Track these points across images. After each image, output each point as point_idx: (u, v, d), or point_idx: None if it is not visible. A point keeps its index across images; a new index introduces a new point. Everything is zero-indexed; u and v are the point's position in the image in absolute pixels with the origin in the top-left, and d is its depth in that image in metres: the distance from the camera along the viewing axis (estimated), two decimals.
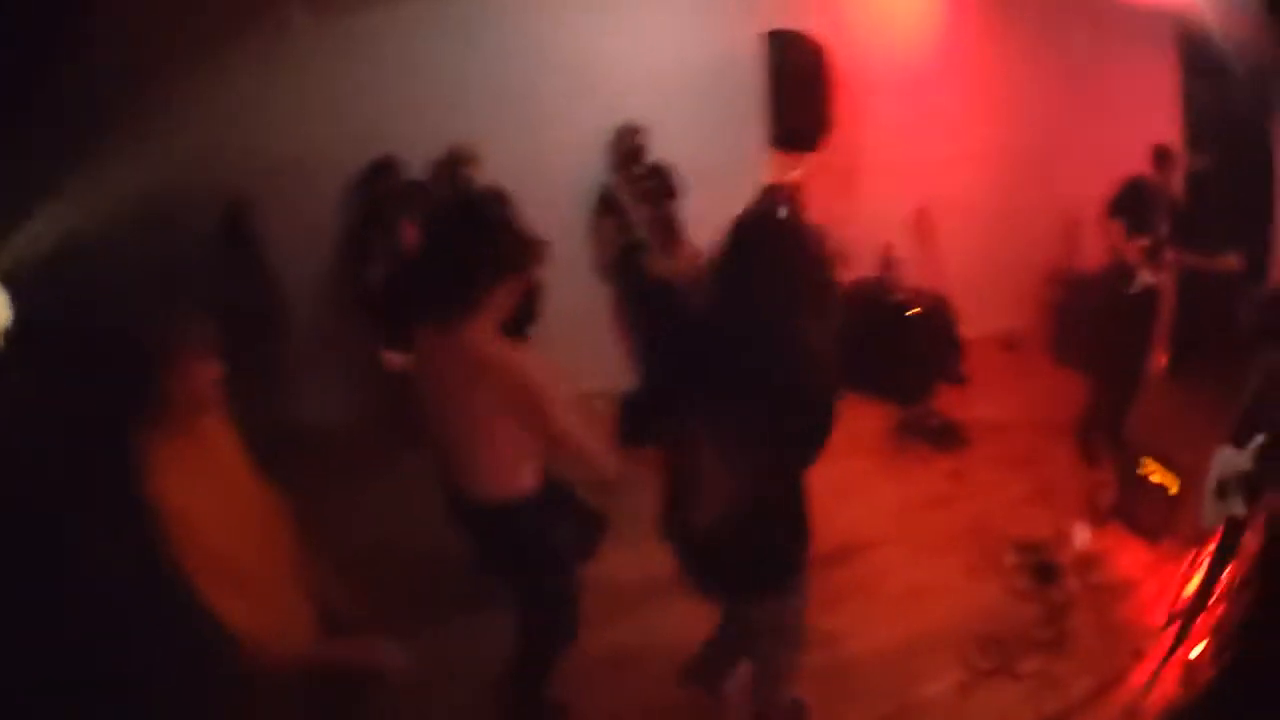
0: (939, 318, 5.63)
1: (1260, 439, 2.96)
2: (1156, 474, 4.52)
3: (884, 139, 5.46)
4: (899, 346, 5.48)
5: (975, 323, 6.22)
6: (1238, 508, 3.10)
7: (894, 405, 5.33)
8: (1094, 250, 5.16)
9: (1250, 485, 3.04)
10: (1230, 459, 3.10)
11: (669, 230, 4.56)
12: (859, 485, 4.62)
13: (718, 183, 4.47)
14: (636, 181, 4.55)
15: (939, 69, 5.64)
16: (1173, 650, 3.55)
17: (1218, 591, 3.77)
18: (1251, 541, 3.68)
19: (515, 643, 2.98)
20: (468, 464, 2.65)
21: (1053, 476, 4.93)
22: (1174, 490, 4.42)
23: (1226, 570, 3.72)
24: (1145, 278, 4.78)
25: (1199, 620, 3.58)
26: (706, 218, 3.00)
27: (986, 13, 5.69)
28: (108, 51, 2.54)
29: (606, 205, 4.56)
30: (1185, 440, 5.12)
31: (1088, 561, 4.39)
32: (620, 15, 4.81)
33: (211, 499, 1.94)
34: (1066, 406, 5.44)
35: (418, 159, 4.43)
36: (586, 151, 4.64)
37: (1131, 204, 4.75)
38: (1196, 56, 5.46)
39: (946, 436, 5.21)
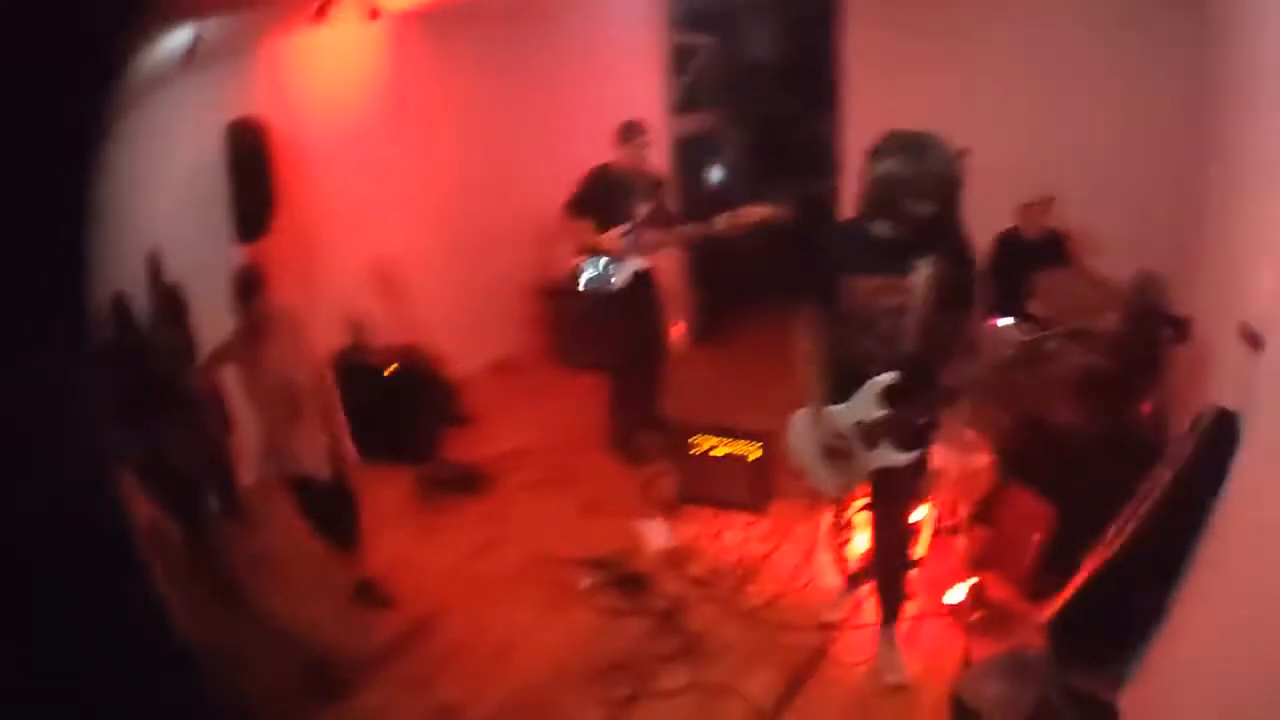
0: (418, 367, 5.21)
1: (876, 386, 2.75)
2: (721, 447, 4.27)
3: (338, 206, 5.07)
4: (388, 408, 4.89)
5: (467, 358, 5.96)
6: (888, 458, 2.84)
7: (409, 467, 4.83)
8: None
9: (889, 432, 2.79)
10: (841, 414, 2.85)
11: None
12: (407, 556, 4.13)
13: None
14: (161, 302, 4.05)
15: (385, 124, 5.36)
16: (891, 609, 3.19)
17: (918, 539, 3.57)
18: (975, 482, 3.64)
19: None
20: None
21: (599, 486, 4.66)
22: (754, 456, 4.22)
23: (922, 516, 3.57)
24: (634, 264, 4.63)
25: (907, 573, 3.28)
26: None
27: (426, 63, 5.57)
28: None
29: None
30: (739, 405, 5.23)
31: (677, 557, 3.96)
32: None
33: None
34: (587, 413, 5.27)
35: None
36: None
37: (596, 197, 4.55)
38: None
39: (469, 481, 4.74)
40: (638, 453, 4.91)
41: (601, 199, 4.54)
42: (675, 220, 4.70)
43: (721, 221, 4.41)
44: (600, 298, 4.70)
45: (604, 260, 4.61)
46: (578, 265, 4.67)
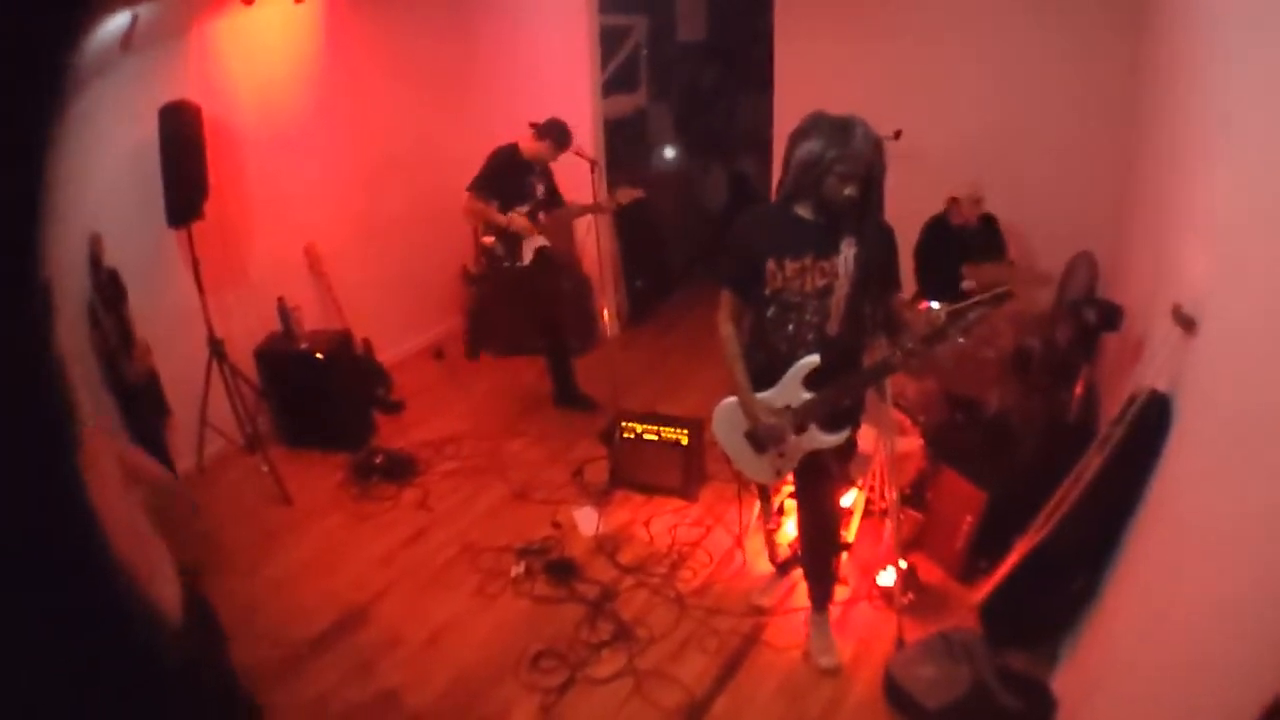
0: (347, 353, 5.00)
1: (803, 369, 2.72)
2: (652, 433, 4.19)
3: (269, 189, 4.96)
4: (321, 395, 4.80)
5: (399, 343, 5.92)
6: (816, 440, 2.81)
7: (343, 454, 4.73)
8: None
9: (816, 415, 2.76)
10: (769, 398, 2.79)
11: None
12: (341, 544, 4.05)
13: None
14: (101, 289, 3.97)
15: (315, 107, 5.22)
16: (821, 593, 3.17)
17: (848, 523, 3.55)
18: (904, 465, 3.63)
19: None
20: None
21: (530, 473, 4.57)
22: (685, 441, 4.16)
23: (852, 500, 3.57)
24: (536, 241, 4.74)
25: (837, 556, 3.30)
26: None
27: (355, 45, 5.40)
28: None
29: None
30: (670, 390, 5.36)
31: (608, 544, 3.89)
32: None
33: None
34: (517, 399, 5.23)
35: None
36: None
37: (498, 177, 4.60)
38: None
39: (399, 468, 4.60)
40: (582, 400, 5.18)
41: (506, 179, 4.62)
42: (564, 201, 4.89)
43: (603, 201, 4.77)
44: (508, 275, 4.80)
45: (511, 238, 4.70)
46: (488, 244, 4.76)
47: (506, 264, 4.74)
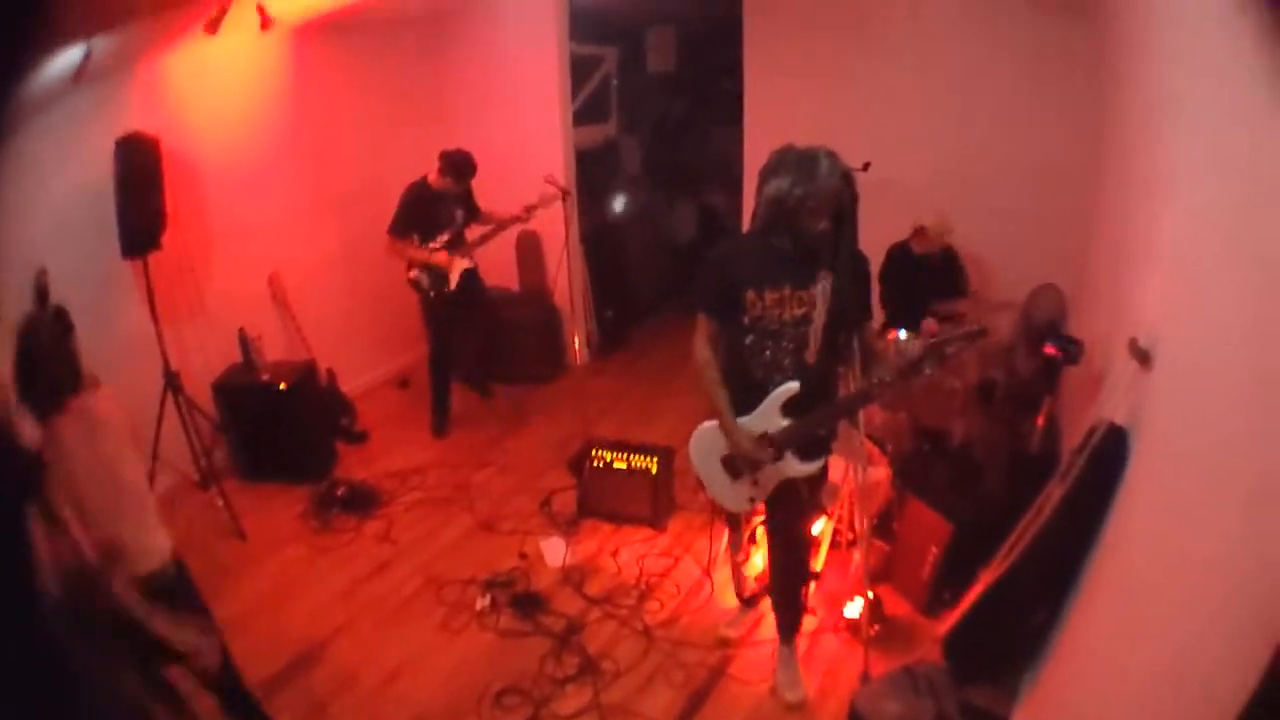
0: (310, 383, 4.93)
1: (780, 397, 2.72)
2: (621, 461, 4.16)
3: (229, 220, 4.93)
4: (281, 425, 4.71)
5: (361, 374, 5.86)
6: (791, 468, 2.81)
7: (304, 487, 4.65)
8: None
9: (791, 443, 2.76)
10: (744, 426, 2.78)
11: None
12: (299, 579, 3.96)
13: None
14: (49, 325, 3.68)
15: (277, 138, 5.20)
16: (790, 623, 3.15)
17: (817, 552, 3.54)
18: (873, 494, 3.60)
19: None
20: None
21: (494, 504, 4.52)
22: (655, 470, 4.14)
23: (820, 529, 3.55)
24: (460, 265, 4.89)
25: (805, 586, 3.26)
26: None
27: (319, 75, 5.37)
28: None
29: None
30: (640, 419, 5.32)
31: (575, 575, 3.84)
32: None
33: None
34: (482, 430, 5.20)
35: None
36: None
37: (413, 213, 4.76)
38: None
39: (360, 500, 4.54)
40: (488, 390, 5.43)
41: (421, 214, 4.77)
42: (486, 218, 5.01)
43: (524, 211, 4.82)
44: (438, 302, 4.94)
45: (435, 269, 4.85)
46: (414, 278, 4.92)
47: (433, 293, 4.89)
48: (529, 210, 4.81)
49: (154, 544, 2.57)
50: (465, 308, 5.03)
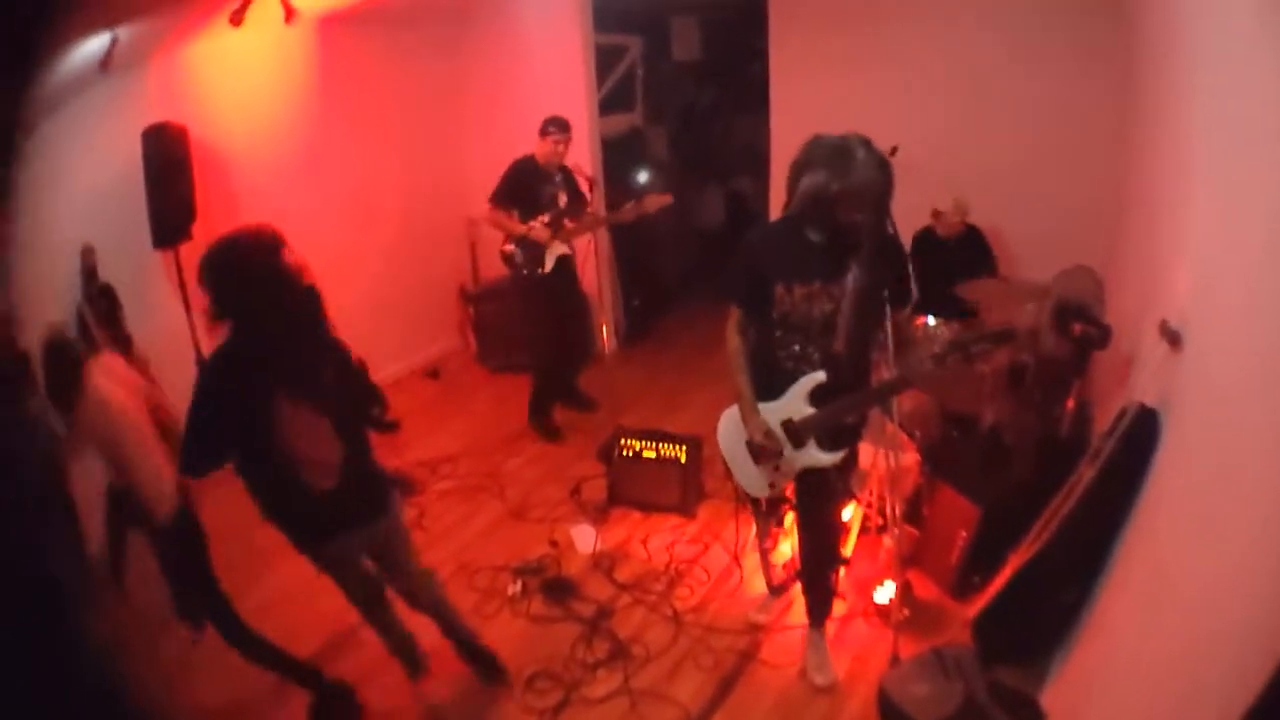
0: None
1: (806, 385, 2.73)
2: (650, 449, 4.20)
3: (258, 211, 4.89)
4: None
5: (394, 362, 5.93)
6: (816, 457, 2.81)
7: None
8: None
9: (817, 431, 2.77)
10: (770, 413, 2.80)
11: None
12: None
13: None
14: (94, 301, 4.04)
15: (304, 128, 5.28)
16: (819, 608, 3.17)
17: (846, 538, 3.53)
18: (902, 480, 3.55)
19: None
20: None
21: (526, 490, 4.58)
22: (683, 458, 4.16)
23: (850, 515, 3.55)
24: (557, 249, 4.80)
25: (835, 572, 3.24)
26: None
27: (345, 66, 5.44)
28: None
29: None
30: (668, 406, 5.34)
31: (605, 561, 3.88)
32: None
33: None
34: (514, 418, 5.21)
35: None
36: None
37: (517, 187, 4.69)
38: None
39: (396, 487, 4.34)
40: (552, 430, 5.10)
41: (525, 189, 4.69)
42: (589, 207, 4.94)
43: (629, 209, 4.69)
44: (529, 283, 4.84)
45: (532, 247, 4.74)
46: (509, 252, 4.81)
47: (526, 271, 4.80)
48: (631, 208, 4.69)
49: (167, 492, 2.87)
50: (558, 298, 4.94)
